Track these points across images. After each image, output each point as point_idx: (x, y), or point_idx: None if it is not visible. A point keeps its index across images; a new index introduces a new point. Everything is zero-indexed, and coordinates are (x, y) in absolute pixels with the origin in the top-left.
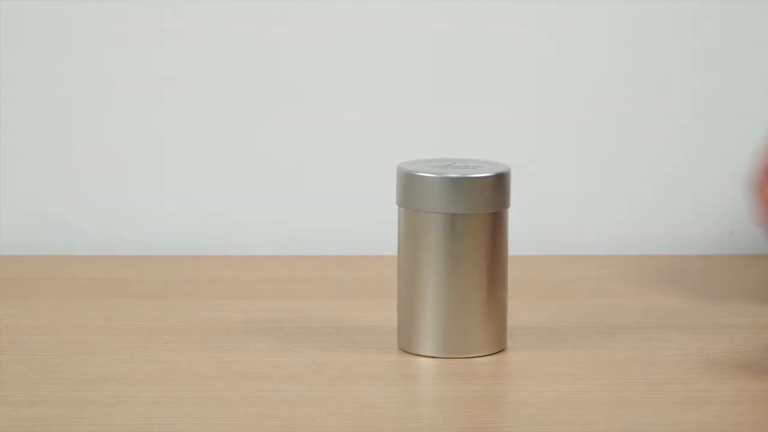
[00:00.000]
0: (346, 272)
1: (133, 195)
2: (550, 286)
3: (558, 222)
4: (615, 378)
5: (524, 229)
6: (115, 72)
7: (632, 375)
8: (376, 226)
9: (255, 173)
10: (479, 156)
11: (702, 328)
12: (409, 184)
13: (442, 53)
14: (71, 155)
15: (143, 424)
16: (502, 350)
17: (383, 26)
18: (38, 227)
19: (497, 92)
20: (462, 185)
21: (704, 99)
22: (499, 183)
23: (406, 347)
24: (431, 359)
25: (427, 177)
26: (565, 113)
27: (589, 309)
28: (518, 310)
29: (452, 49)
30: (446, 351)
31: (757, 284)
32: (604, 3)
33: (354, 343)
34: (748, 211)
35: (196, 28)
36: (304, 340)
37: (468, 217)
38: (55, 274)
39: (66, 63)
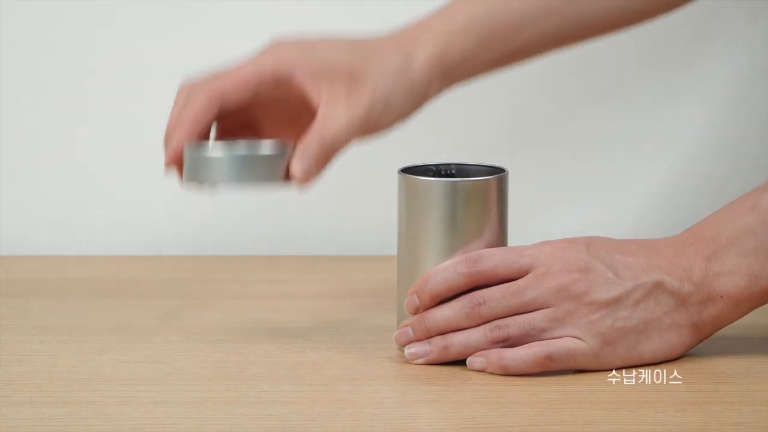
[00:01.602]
0: (346, 272)
1: (133, 195)
2: None
3: (557, 222)
4: (614, 378)
5: (522, 230)
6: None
7: (632, 375)
8: (376, 226)
9: None
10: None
11: None
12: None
13: None
14: (71, 156)
15: (143, 424)
16: None
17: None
18: (38, 227)
19: (495, 93)
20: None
21: (708, 101)
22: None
23: None
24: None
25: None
26: (566, 114)
27: None
28: None
29: None
30: None
31: None
32: None
33: (353, 343)
34: None
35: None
36: (304, 340)
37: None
38: (55, 274)
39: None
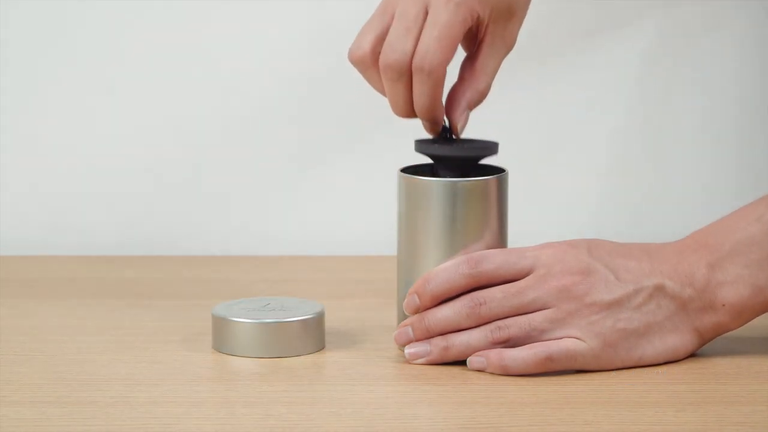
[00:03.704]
0: (346, 272)
1: (133, 195)
2: None
3: (557, 223)
4: (615, 378)
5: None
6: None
7: (632, 375)
8: (376, 226)
9: (256, 174)
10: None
11: None
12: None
13: None
14: (71, 155)
15: (143, 424)
16: None
17: None
18: (38, 227)
19: (495, 94)
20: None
21: (709, 103)
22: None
23: None
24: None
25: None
26: (566, 114)
27: None
28: None
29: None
30: None
31: None
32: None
33: (353, 343)
34: None
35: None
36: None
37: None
38: (55, 274)
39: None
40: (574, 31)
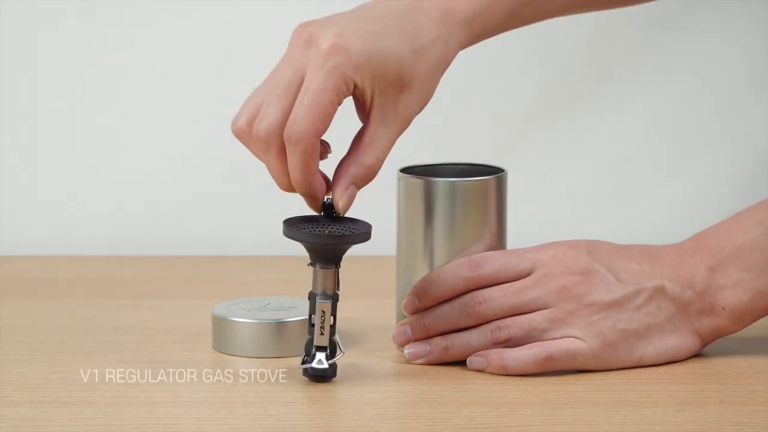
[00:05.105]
0: (346, 272)
1: (133, 196)
2: None
3: (556, 223)
4: (615, 378)
5: (522, 230)
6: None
7: (632, 375)
8: (376, 226)
9: (256, 174)
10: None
11: None
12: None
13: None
14: (71, 155)
15: (143, 424)
16: None
17: None
18: (38, 227)
19: (495, 94)
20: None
21: (704, 102)
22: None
23: None
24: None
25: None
26: (567, 114)
27: None
28: None
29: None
30: None
31: None
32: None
33: (354, 343)
34: None
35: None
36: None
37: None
38: (55, 274)
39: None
40: (577, 35)
